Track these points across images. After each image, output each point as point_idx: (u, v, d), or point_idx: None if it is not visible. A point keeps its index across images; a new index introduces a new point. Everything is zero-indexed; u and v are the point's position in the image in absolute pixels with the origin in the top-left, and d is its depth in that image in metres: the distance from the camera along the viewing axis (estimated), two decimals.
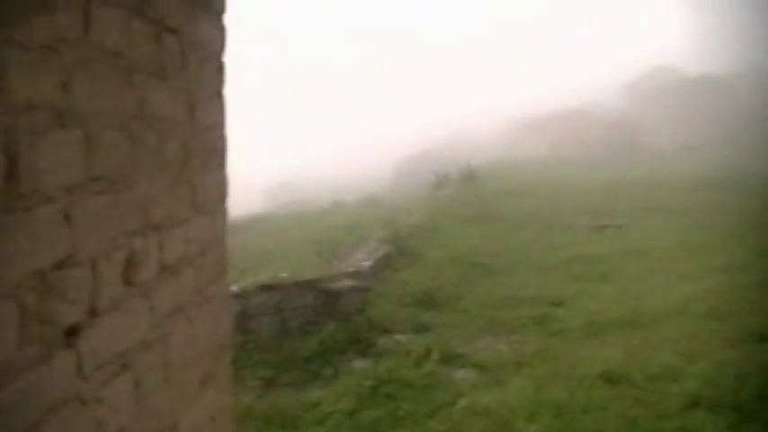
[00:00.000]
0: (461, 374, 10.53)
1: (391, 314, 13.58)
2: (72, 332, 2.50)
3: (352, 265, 15.35)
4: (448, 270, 16.85)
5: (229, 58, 4.69)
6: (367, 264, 15.57)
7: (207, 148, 4.22)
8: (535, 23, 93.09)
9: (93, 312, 2.65)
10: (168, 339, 3.49)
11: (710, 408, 7.73)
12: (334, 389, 10.30)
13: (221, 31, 4.56)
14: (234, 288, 13.03)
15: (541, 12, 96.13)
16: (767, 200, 24.38)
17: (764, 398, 7.76)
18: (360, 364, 11.45)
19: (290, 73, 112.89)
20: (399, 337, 12.52)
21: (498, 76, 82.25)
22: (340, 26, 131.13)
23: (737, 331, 10.38)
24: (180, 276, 3.69)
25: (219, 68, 4.57)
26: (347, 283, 13.63)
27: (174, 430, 3.57)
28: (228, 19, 4.62)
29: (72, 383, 2.48)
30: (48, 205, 2.31)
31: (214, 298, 4.31)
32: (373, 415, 9.17)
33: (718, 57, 59.16)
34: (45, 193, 2.30)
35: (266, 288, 13.27)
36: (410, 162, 65.05)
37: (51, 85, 2.34)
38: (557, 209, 26.82)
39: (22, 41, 2.14)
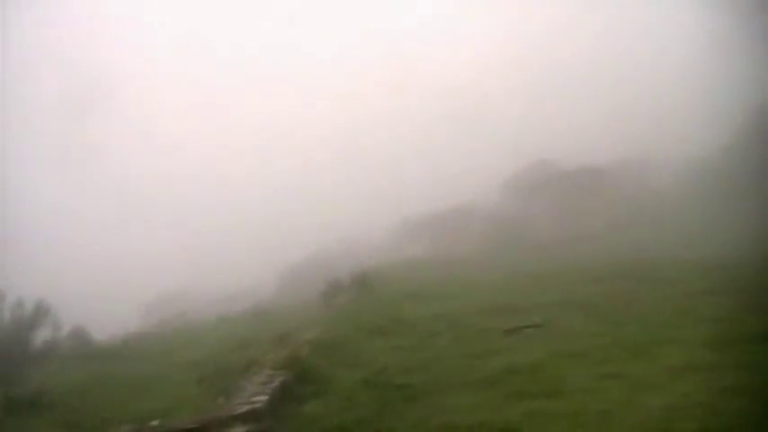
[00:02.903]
0: None
1: None
2: None
3: (244, 402, 11.94)
4: (363, 396, 13.67)
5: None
6: (262, 400, 12.18)
7: None
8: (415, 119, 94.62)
9: None
10: None
11: None
12: None
13: None
14: None
15: (420, 109, 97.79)
16: (676, 288, 23.25)
17: None
18: None
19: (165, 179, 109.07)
20: None
21: (382, 175, 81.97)
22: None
23: None
24: None
25: None
26: (238, 429, 10.26)
27: None
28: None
29: None
30: None
31: None
32: None
33: (596, 148, 60.59)
34: None
35: None
36: (297, 268, 62.34)
37: None
38: (464, 311, 24.49)
39: None
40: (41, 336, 35.71)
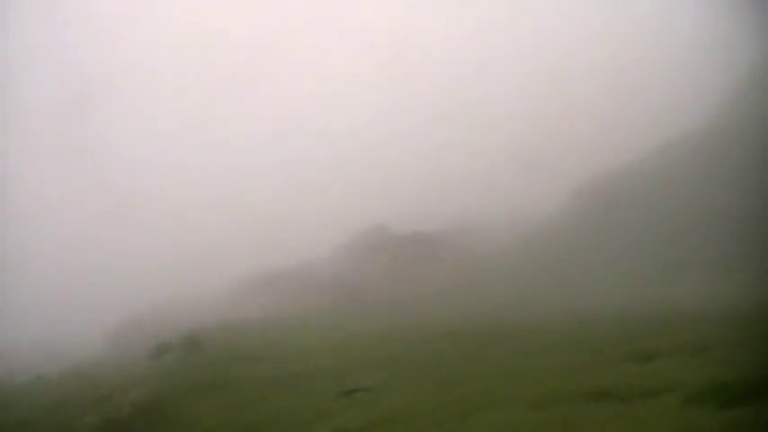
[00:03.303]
0: None
1: None
2: None
3: None
4: None
5: None
6: None
7: None
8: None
9: None
10: None
11: None
12: None
13: None
14: None
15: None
16: (504, 349, 24.01)
17: None
18: None
19: None
20: None
21: (219, 235, 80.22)
22: None
23: None
24: None
25: None
26: None
27: None
28: None
29: None
30: None
31: None
32: None
33: (429, 214, 62.74)
34: None
35: None
36: (124, 327, 59.04)
37: None
38: (296, 373, 23.88)
39: None
40: None
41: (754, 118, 53.20)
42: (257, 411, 17.86)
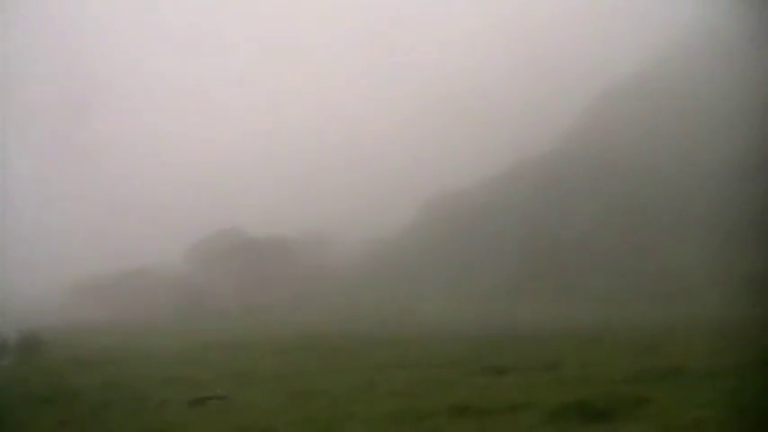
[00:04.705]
0: None
1: None
2: None
3: None
4: None
5: None
6: None
7: None
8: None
9: None
10: None
11: None
12: None
13: None
14: None
15: None
16: (360, 360, 24.07)
17: None
18: None
19: None
20: None
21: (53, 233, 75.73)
22: None
23: None
24: None
25: None
26: None
27: None
28: None
29: None
30: None
31: None
32: None
33: (283, 218, 62.25)
34: None
35: None
36: None
37: None
38: (141, 380, 22.55)
39: None
40: None
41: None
42: (100, 423, 16.70)
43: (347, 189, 68.62)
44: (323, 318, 39.65)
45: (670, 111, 59.85)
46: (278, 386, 20.65)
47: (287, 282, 56.90)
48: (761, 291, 35.17)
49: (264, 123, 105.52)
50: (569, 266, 46.68)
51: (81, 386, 20.93)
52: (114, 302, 57.84)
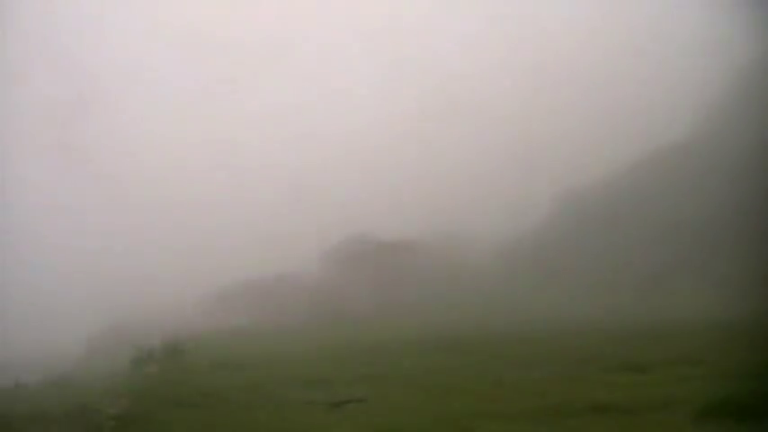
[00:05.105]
0: None
1: None
2: None
3: None
4: None
5: None
6: None
7: None
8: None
9: None
10: None
11: None
12: None
13: None
14: None
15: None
16: (497, 360, 23.45)
17: None
18: None
19: None
20: None
21: (196, 241, 79.25)
22: None
23: None
24: None
25: None
26: None
27: None
28: None
29: None
30: None
31: None
32: None
33: (411, 221, 62.27)
34: None
35: None
36: (104, 334, 57.88)
37: None
38: (282, 383, 23.00)
39: None
40: None
41: (748, 124, 52.42)
42: (243, 423, 17.00)
43: (476, 187, 67.94)
44: (457, 317, 39.17)
45: None
46: (417, 387, 20.47)
47: (419, 283, 56.91)
48: None
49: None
50: (717, 255, 43.87)
51: (224, 389, 21.50)
52: (253, 308, 59.79)
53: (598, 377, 18.10)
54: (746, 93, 55.03)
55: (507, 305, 41.66)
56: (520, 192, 66.64)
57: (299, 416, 17.63)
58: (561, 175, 65.29)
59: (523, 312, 38.13)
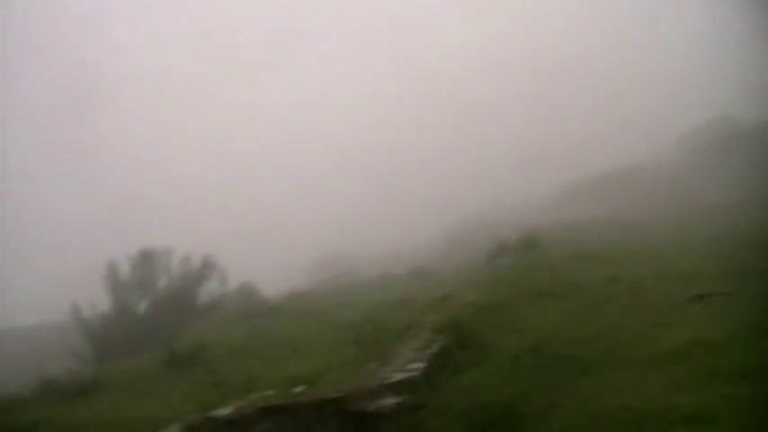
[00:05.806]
0: None
1: None
2: None
3: (399, 369, 11.09)
4: (528, 368, 12.40)
5: None
6: (419, 367, 11.29)
7: None
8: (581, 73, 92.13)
9: None
10: None
11: None
12: None
13: None
14: (226, 410, 8.98)
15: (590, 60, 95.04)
16: None
17: None
18: None
19: None
20: None
21: (548, 132, 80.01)
22: None
23: None
24: None
25: None
26: (390, 400, 9.40)
27: None
28: None
29: None
30: None
31: None
32: None
33: None
34: None
35: (273, 410, 9.13)
36: (461, 229, 61.23)
37: None
38: (640, 275, 22.05)
39: None
40: (208, 290, 37.25)
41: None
42: (601, 316, 16.94)
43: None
44: None
45: None
46: None
47: None
48: None
49: None
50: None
51: (583, 281, 21.37)
52: (604, 200, 58.42)
53: None
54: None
55: None
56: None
57: (656, 309, 17.01)
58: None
59: None
